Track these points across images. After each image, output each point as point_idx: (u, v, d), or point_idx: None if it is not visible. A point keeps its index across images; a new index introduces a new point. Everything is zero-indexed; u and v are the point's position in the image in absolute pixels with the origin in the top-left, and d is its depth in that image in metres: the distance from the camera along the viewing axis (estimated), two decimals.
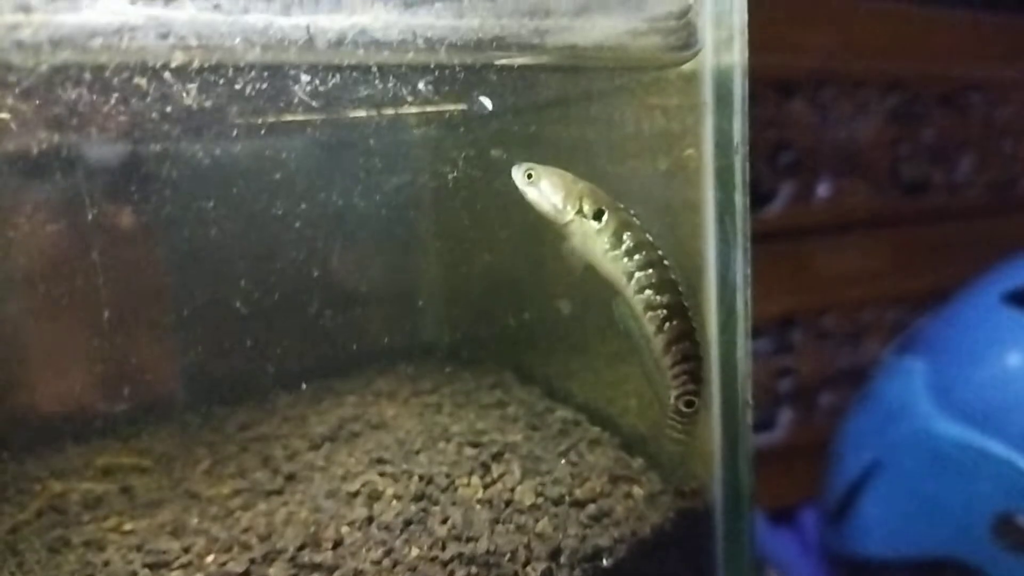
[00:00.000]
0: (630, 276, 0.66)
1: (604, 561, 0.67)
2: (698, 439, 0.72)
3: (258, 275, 0.80)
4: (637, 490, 0.74)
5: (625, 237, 0.66)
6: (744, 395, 0.70)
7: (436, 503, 0.73)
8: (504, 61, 0.57)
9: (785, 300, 1.89)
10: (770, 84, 1.80)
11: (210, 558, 0.68)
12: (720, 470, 0.72)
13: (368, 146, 0.70)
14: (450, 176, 0.70)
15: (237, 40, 0.48)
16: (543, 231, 0.70)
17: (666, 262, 0.66)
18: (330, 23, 0.50)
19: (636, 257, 0.66)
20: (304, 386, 0.95)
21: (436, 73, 0.55)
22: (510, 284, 0.95)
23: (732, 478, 0.72)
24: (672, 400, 0.68)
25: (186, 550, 0.69)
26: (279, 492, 0.78)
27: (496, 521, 0.71)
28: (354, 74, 0.55)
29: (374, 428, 0.86)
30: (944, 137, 1.97)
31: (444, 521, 0.71)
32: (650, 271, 0.66)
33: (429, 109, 0.68)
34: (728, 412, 0.71)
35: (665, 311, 0.66)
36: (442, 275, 0.99)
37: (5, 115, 0.45)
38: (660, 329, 0.66)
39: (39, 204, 0.66)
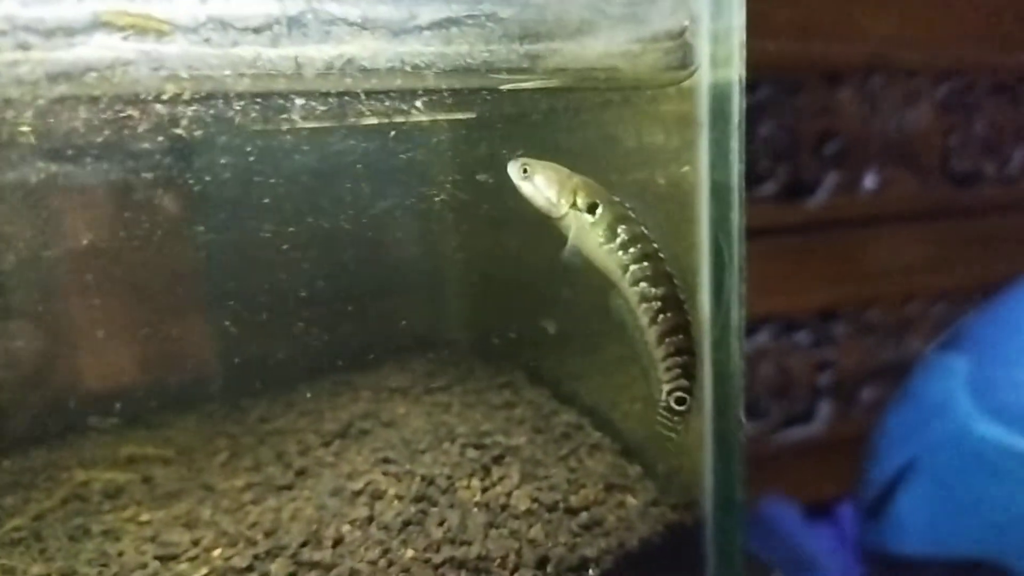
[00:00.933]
0: (625, 269, 0.66)
1: (590, 572, 0.68)
2: (688, 437, 0.72)
3: (287, 271, 0.83)
4: (631, 500, 0.75)
5: (620, 230, 0.66)
6: (738, 413, 0.71)
7: (435, 504, 0.75)
8: (494, 86, 0.58)
9: (827, 292, 1.87)
10: (817, 72, 1.77)
11: (216, 552, 0.71)
12: (712, 486, 0.72)
13: (393, 152, 0.72)
14: (454, 186, 0.71)
15: (227, 72, 0.50)
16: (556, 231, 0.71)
17: (661, 255, 0.66)
18: (318, 53, 0.52)
19: (631, 250, 0.66)
20: (324, 379, 0.99)
21: (428, 96, 0.57)
22: (527, 283, 0.97)
23: (724, 495, 0.73)
24: (664, 396, 0.68)
25: (195, 543, 0.72)
26: (289, 487, 0.81)
27: (491, 525, 0.73)
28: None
29: (384, 426, 0.89)
30: (997, 128, 1.91)
31: (441, 523, 0.73)
32: (645, 264, 0.66)
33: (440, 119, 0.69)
34: (721, 430, 0.71)
35: (659, 303, 0.66)
36: (464, 274, 1.00)
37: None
38: (654, 321, 0.66)
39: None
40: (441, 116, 0.60)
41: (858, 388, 1.93)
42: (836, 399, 1.91)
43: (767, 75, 1.70)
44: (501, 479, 0.78)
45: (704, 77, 0.65)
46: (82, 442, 0.88)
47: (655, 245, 0.66)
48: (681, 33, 0.63)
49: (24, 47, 0.46)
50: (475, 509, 0.74)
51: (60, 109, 0.47)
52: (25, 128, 0.48)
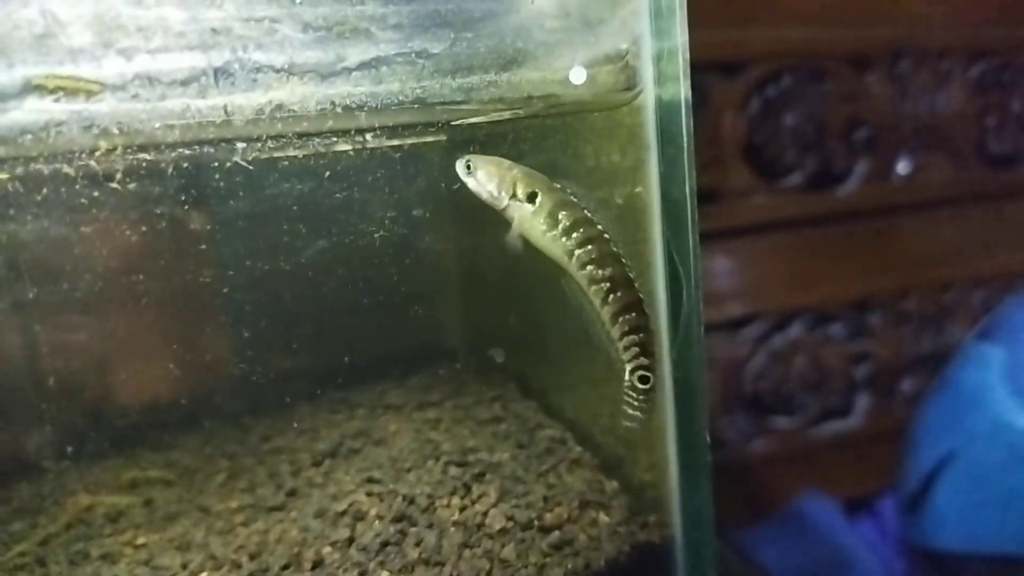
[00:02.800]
0: (570, 254, 0.67)
1: None
2: (653, 422, 0.71)
3: (289, 289, 0.85)
4: (603, 517, 0.75)
5: (561, 216, 0.67)
6: (702, 431, 0.70)
7: (415, 524, 0.77)
8: (429, 120, 0.59)
9: (862, 282, 1.84)
10: (843, 58, 1.74)
11: (203, 575, 0.74)
12: (680, 506, 0.72)
13: (383, 174, 0.74)
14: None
15: (157, 124, 0.52)
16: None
17: (606, 235, 0.67)
18: (247, 100, 0.53)
19: (574, 235, 0.67)
20: (324, 396, 1.01)
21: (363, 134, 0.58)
22: (520, 297, 0.98)
23: (693, 514, 0.72)
24: (627, 376, 0.68)
25: (184, 566, 0.75)
26: (279, 508, 0.83)
27: (465, 545, 0.74)
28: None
29: (375, 444, 0.91)
30: None
31: (418, 544, 0.75)
32: (590, 247, 0.67)
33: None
34: (687, 449, 0.71)
35: (608, 284, 0.67)
36: (459, 289, 1.02)
37: None
38: (605, 301, 0.67)
39: None
40: (381, 148, 0.62)
41: (897, 380, 1.89)
42: (874, 392, 1.87)
43: (789, 63, 1.68)
44: (480, 497, 0.79)
45: (650, 97, 0.65)
46: (88, 465, 0.92)
47: (599, 227, 0.67)
48: (623, 56, 0.63)
49: None
50: (452, 528, 0.76)
51: None
52: None
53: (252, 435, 0.98)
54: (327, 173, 0.63)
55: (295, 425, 0.98)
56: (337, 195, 0.66)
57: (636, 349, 0.67)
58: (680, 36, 0.63)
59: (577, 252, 0.67)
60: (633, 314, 0.67)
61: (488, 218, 0.75)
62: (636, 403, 0.68)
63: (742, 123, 1.62)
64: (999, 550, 1.43)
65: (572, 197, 0.68)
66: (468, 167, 0.69)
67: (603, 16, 0.64)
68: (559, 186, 0.68)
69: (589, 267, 0.67)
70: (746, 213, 1.65)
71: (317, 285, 0.87)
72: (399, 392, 1.02)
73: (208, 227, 0.65)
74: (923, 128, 1.81)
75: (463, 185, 0.69)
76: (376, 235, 0.75)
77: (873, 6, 1.72)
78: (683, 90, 0.64)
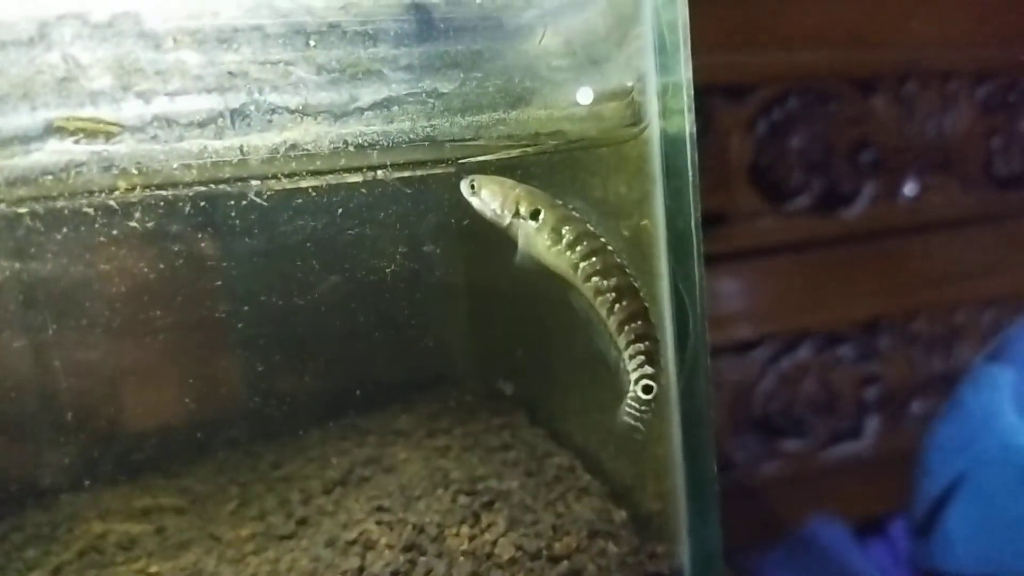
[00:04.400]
0: (575, 267, 0.68)
1: None
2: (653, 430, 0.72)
3: (300, 319, 0.86)
4: (612, 547, 0.76)
5: (564, 231, 0.68)
6: (710, 461, 0.71)
7: (424, 553, 0.77)
8: (440, 157, 0.61)
9: (870, 304, 1.84)
10: (849, 81, 1.75)
11: None
12: (688, 536, 0.72)
13: (394, 209, 0.75)
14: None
15: (175, 165, 0.53)
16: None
17: (610, 248, 0.68)
18: (262, 141, 0.55)
19: (578, 248, 0.68)
20: (335, 423, 1.02)
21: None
22: (527, 324, 0.98)
23: (701, 546, 0.73)
24: (632, 386, 0.68)
25: None
26: (290, 537, 0.83)
27: (475, 575, 0.74)
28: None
29: (385, 472, 0.91)
30: None
31: (428, 573, 0.75)
32: (593, 259, 0.68)
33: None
34: (695, 479, 0.71)
35: (613, 294, 0.68)
36: (467, 317, 1.03)
37: None
38: (611, 311, 0.68)
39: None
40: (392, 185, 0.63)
41: (907, 402, 1.89)
42: (884, 414, 1.86)
43: (796, 86, 1.69)
44: (489, 526, 0.79)
45: (655, 132, 0.66)
46: (100, 492, 0.92)
47: (602, 240, 0.68)
48: (628, 92, 0.64)
49: None
50: (462, 558, 0.76)
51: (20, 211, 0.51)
52: None
53: (263, 462, 0.99)
54: (339, 209, 0.65)
55: (305, 452, 0.98)
56: (348, 230, 0.68)
57: (642, 358, 0.68)
58: (684, 71, 0.64)
59: (582, 265, 0.68)
60: (639, 322, 0.68)
61: (494, 247, 0.76)
62: (637, 412, 0.69)
63: (749, 146, 1.62)
64: (1010, 573, 1.42)
65: (573, 212, 0.69)
66: (472, 187, 0.70)
67: (609, 54, 0.65)
68: (560, 203, 0.69)
69: (594, 279, 0.68)
70: (753, 236, 1.65)
71: (326, 315, 0.88)
72: (408, 419, 1.02)
73: (222, 261, 0.66)
74: (930, 150, 1.81)
75: (471, 217, 0.70)
76: (386, 267, 0.76)
77: (879, 28, 1.72)
78: (687, 124, 0.65)
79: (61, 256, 0.59)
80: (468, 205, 0.69)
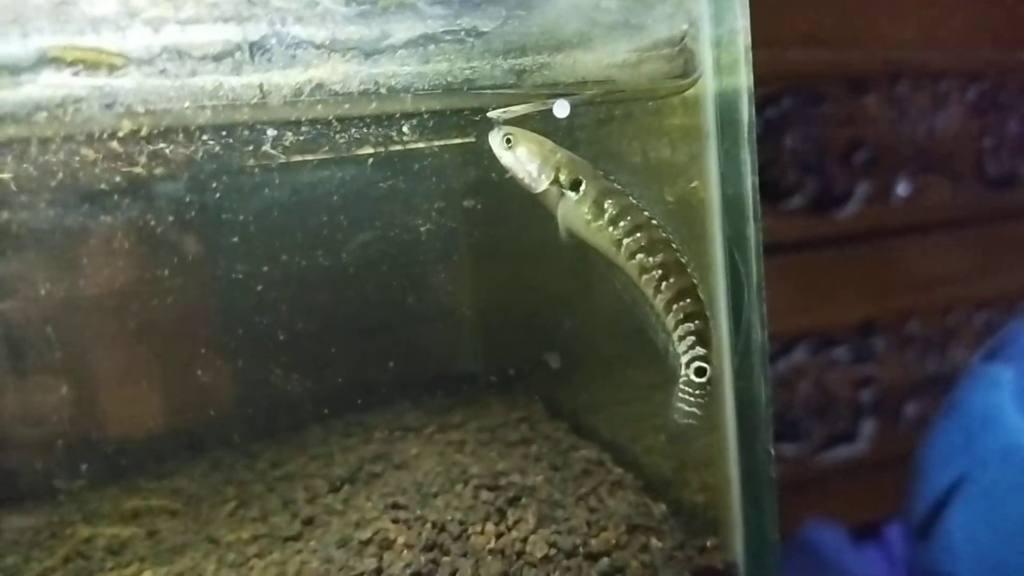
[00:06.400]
0: (618, 244, 0.63)
1: None
2: (709, 416, 0.66)
3: (298, 309, 0.80)
4: (655, 542, 0.70)
5: (607, 205, 0.63)
6: (767, 445, 0.65)
7: (447, 553, 0.71)
8: (478, 105, 0.55)
9: (864, 306, 1.82)
10: (841, 81, 1.73)
11: None
12: (742, 526, 0.67)
13: (405, 176, 0.69)
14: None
15: (186, 104, 0.46)
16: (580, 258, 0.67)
17: (655, 222, 0.63)
18: (284, 79, 0.48)
19: (621, 223, 0.63)
20: (337, 419, 0.95)
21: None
22: (544, 313, 0.93)
23: (756, 536, 0.67)
24: (683, 369, 0.63)
25: None
26: (296, 538, 0.77)
27: (505, 575, 0.68)
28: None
29: (396, 468, 0.85)
30: None
31: (453, 574, 0.69)
32: (638, 235, 0.63)
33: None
34: (749, 465, 0.66)
35: (660, 271, 0.63)
36: (481, 304, 0.97)
37: None
38: (658, 290, 0.63)
39: None
40: (424, 142, 0.57)
41: (902, 404, 1.87)
42: (879, 416, 1.85)
43: (790, 86, 1.67)
44: (517, 523, 0.73)
45: (708, 85, 0.61)
46: (87, 494, 0.85)
47: (646, 214, 0.63)
48: (680, 39, 0.59)
49: None
50: (489, 557, 0.70)
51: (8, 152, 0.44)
52: None
53: (260, 461, 0.92)
54: (345, 185, 0.59)
55: (306, 450, 0.92)
56: (359, 209, 0.62)
57: (692, 339, 0.63)
58: (741, 19, 0.59)
59: (626, 241, 0.63)
60: (688, 300, 0.63)
61: (512, 224, 0.71)
62: (692, 398, 0.63)
63: None
64: (1014, 575, 1.39)
65: (616, 184, 0.64)
66: (507, 141, 0.64)
67: None
68: (602, 173, 0.64)
69: (639, 255, 0.63)
70: None
71: (329, 299, 0.82)
72: (416, 414, 0.96)
73: (224, 238, 0.60)
74: (922, 150, 1.81)
75: (485, 190, 0.65)
76: (393, 239, 0.70)
77: (871, 29, 1.72)
78: (744, 76, 0.60)
79: (55, 209, 0.52)
80: (496, 161, 0.63)
